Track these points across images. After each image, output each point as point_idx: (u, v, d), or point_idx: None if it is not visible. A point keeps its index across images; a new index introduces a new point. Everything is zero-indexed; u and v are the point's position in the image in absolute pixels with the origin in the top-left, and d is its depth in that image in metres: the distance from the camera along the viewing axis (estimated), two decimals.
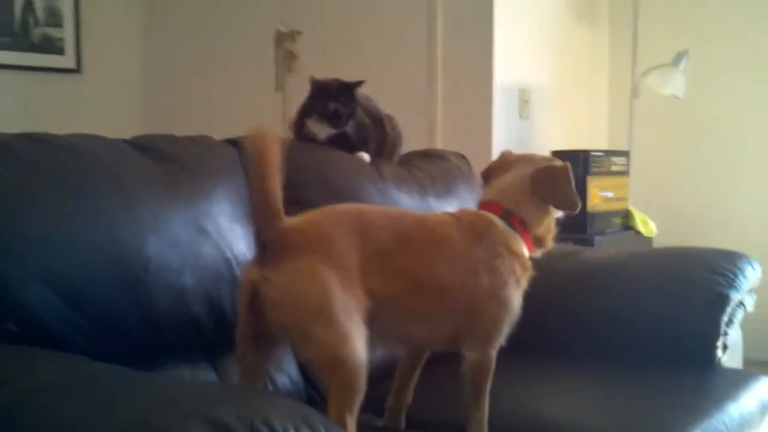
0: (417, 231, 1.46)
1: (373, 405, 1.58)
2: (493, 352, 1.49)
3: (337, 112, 2.06)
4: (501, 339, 1.49)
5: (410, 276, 1.41)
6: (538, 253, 1.59)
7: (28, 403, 1.04)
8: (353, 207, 1.50)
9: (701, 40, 3.88)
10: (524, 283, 1.53)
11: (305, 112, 2.10)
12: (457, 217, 1.53)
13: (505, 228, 1.52)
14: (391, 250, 1.40)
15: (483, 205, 1.58)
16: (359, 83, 2.10)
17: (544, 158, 1.64)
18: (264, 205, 1.30)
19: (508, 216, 1.53)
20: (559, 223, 1.64)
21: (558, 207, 1.58)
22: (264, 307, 1.31)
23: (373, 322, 1.35)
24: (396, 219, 1.47)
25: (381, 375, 1.81)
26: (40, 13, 3.81)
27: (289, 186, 1.88)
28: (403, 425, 1.61)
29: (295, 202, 1.76)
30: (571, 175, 1.57)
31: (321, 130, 2.08)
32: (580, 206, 1.59)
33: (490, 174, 1.65)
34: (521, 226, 1.53)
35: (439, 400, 1.66)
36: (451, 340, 1.49)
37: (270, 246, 1.32)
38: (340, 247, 1.35)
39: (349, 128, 2.09)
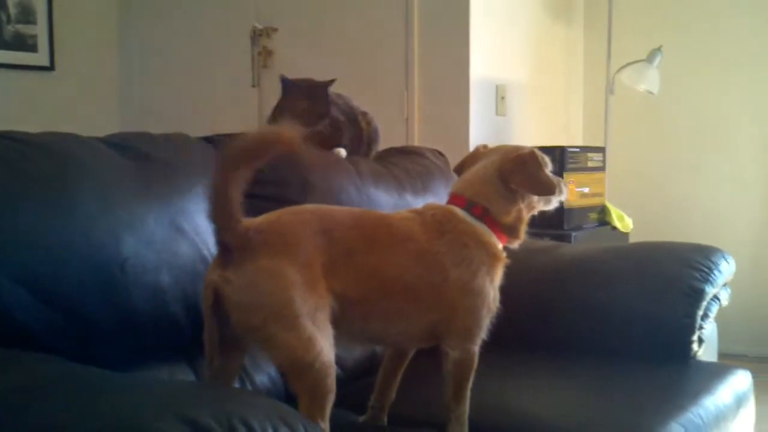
0: (380, 230, 1.45)
1: (354, 401, 1.58)
2: (476, 349, 1.48)
3: (308, 111, 2.05)
4: (482, 333, 1.48)
5: (375, 275, 1.40)
6: (515, 244, 1.58)
7: (3, 405, 1.03)
8: (317, 207, 1.48)
9: (675, 36, 3.92)
10: (498, 272, 1.51)
11: (278, 112, 2.10)
12: (419, 212, 1.52)
13: (467, 218, 1.50)
14: (356, 249, 1.39)
15: (449, 198, 1.57)
16: (330, 82, 2.10)
17: (513, 147, 1.61)
18: (221, 207, 1.29)
19: (470, 206, 1.52)
20: (536, 216, 1.64)
21: (537, 193, 1.56)
22: (227, 310, 1.30)
23: (339, 322, 1.34)
24: (359, 218, 1.46)
25: (362, 371, 1.82)
26: (12, 9, 3.77)
27: (268, 184, 1.89)
28: (385, 422, 1.61)
29: (274, 200, 1.77)
30: (540, 158, 1.56)
31: None
32: (558, 187, 1.57)
33: (462, 168, 1.65)
34: (485, 214, 1.52)
35: (420, 396, 1.66)
36: (428, 337, 1.49)
37: (231, 247, 1.30)
38: (304, 247, 1.33)
39: (322, 127, 2.09)
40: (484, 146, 1.66)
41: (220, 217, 1.30)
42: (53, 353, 1.30)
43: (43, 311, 1.38)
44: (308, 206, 1.46)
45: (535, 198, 1.58)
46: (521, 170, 1.54)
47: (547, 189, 1.55)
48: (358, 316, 1.39)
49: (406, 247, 1.44)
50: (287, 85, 2.09)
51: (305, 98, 2.05)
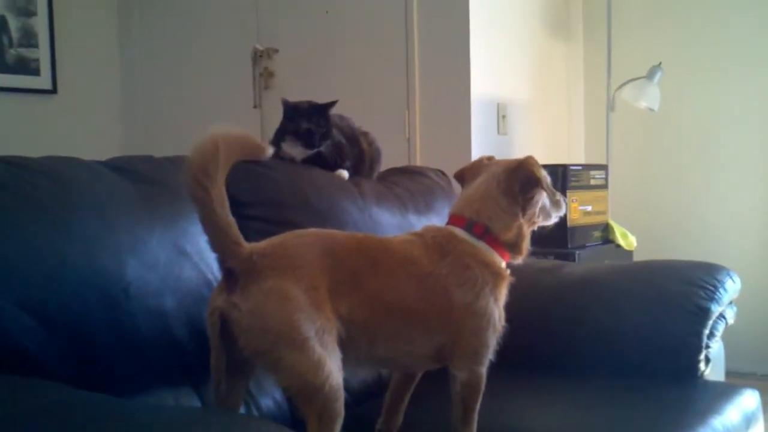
0: (383, 253, 1.45)
1: (360, 425, 1.57)
2: (483, 370, 1.47)
3: (310, 132, 2.06)
4: (489, 354, 1.48)
5: (379, 299, 1.39)
6: (519, 260, 1.57)
7: None
8: (319, 230, 1.48)
9: (675, 53, 3.93)
10: (502, 292, 1.51)
11: (280, 135, 2.10)
12: (420, 235, 1.52)
13: (468, 239, 1.50)
14: (360, 273, 1.39)
15: (449, 219, 1.57)
16: (332, 104, 2.10)
17: (514, 159, 1.62)
18: (219, 234, 1.28)
19: (470, 226, 1.52)
20: (541, 235, 1.63)
21: (544, 190, 1.56)
22: (234, 335, 1.29)
23: (346, 345, 1.34)
24: (361, 242, 1.46)
25: (368, 394, 1.81)
26: (14, 33, 3.78)
27: (270, 206, 1.89)
28: None
29: (277, 222, 1.77)
30: (538, 165, 1.57)
31: (296, 152, 2.08)
32: (557, 195, 1.58)
33: (462, 175, 1.65)
34: (486, 233, 1.51)
35: (427, 419, 1.65)
36: (434, 360, 1.48)
37: (236, 271, 1.30)
38: (309, 269, 1.33)
39: (324, 148, 2.09)
40: (489, 158, 1.66)
41: (221, 245, 1.29)
42: (56, 378, 1.29)
43: (45, 336, 1.37)
44: (311, 230, 1.46)
45: (536, 212, 1.58)
46: (525, 172, 1.54)
47: (551, 189, 1.56)
48: (364, 339, 1.38)
49: (409, 270, 1.44)
50: (289, 107, 2.09)
51: (307, 120, 2.06)
